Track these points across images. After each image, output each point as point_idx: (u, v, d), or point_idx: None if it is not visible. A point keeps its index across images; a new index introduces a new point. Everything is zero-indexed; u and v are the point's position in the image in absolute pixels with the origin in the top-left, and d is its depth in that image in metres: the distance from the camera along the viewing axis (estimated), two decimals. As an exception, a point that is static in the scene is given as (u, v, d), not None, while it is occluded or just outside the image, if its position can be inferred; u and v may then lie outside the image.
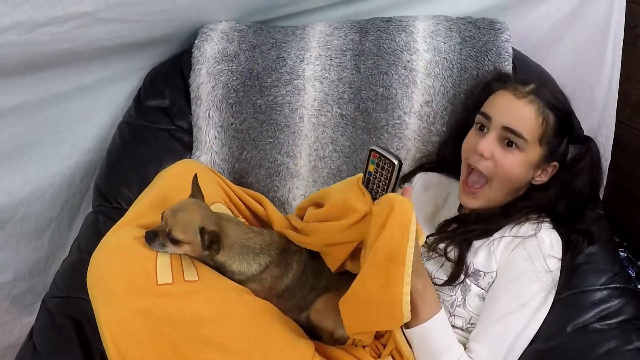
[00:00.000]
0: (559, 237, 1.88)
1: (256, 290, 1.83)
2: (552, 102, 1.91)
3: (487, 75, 2.24)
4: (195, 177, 1.84)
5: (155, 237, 1.69)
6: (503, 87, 1.98)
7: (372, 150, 1.66)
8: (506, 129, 1.87)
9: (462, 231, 1.94)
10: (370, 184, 1.71)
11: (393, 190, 1.67)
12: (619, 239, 2.64)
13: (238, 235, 1.84)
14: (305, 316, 1.90)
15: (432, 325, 1.70)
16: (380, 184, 1.68)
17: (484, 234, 1.91)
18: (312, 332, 1.90)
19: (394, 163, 1.61)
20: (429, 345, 1.72)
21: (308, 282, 1.90)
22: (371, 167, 1.68)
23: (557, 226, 1.91)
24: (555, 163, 1.95)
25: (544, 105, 1.88)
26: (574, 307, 1.88)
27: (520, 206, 1.94)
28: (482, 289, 1.85)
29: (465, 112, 2.20)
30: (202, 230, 1.71)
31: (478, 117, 1.97)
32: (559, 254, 1.86)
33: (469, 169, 1.96)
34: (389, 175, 1.64)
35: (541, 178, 1.96)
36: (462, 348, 1.76)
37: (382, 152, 1.63)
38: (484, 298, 1.85)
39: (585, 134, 2.28)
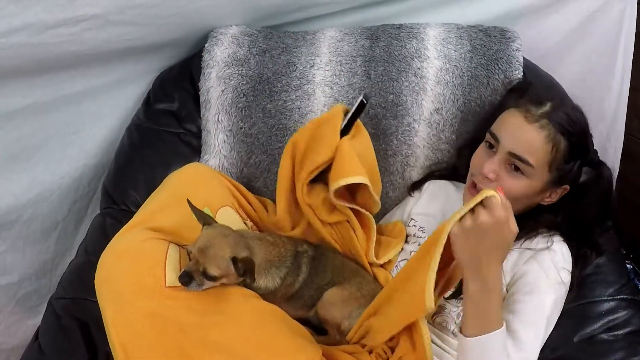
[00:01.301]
0: (569, 250, 1.87)
1: (267, 299, 1.83)
2: (565, 126, 1.83)
3: (498, 83, 2.24)
4: (190, 203, 1.80)
5: (191, 279, 1.66)
6: (516, 106, 1.91)
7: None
8: (512, 154, 1.82)
9: None
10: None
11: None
12: (625, 251, 2.63)
13: (262, 251, 1.85)
14: (313, 312, 1.92)
15: (491, 340, 1.59)
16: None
17: None
18: (320, 328, 1.92)
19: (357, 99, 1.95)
20: None
21: (315, 281, 1.92)
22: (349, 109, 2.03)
23: (567, 239, 1.89)
24: (566, 186, 1.90)
25: (556, 130, 1.81)
26: (582, 318, 1.88)
27: (527, 224, 1.88)
28: None
29: (480, 123, 2.18)
30: (235, 259, 1.69)
31: (487, 136, 1.93)
32: (570, 267, 1.84)
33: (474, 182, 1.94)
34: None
35: (551, 199, 1.93)
36: None
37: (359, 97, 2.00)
38: None
39: (594, 145, 2.29)
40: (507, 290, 1.83)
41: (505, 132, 1.86)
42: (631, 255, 2.76)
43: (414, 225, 2.15)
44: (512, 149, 1.82)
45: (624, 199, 2.71)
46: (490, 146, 1.91)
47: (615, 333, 1.86)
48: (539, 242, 1.86)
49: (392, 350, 1.79)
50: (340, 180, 1.90)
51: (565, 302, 1.83)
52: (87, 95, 2.34)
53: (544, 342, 1.76)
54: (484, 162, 1.88)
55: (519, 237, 1.84)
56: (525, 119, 1.83)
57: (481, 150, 1.96)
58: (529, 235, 1.88)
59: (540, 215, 1.94)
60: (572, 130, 1.84)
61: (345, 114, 2.02)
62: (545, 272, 1.78)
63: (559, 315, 1.80)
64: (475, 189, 1.92)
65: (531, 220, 1.91)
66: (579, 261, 1.87)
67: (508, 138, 1.84)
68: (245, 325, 1.69)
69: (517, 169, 1.82)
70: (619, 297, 1.95)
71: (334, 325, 1.87)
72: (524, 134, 1.82)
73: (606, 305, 1.92)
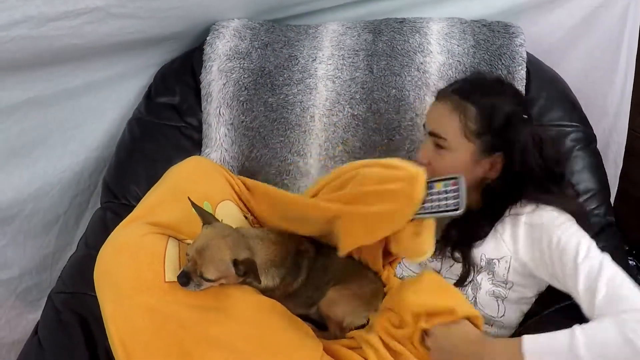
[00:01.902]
0: None
1: (267, 296, 1.82)
2: (466, 91, 1.88)
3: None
4: (192, 202, 1.77)
5: (189, 280, 1.64)
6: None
7: (457, 178, 1.72)
8: (431, 134, 1.91)
9: (460, 234, 1.90)
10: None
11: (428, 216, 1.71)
12: (627, 248, 2.62)
13: (264, 251, 1.83)
14: (314, 310, 1.91)
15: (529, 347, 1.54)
16: (431, 206, 1.71)
17: (481, 234, 1.86)
18: (320, 324, 1.91)
19: (457, 208, 1.67)
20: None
21: (315, 280, 1.91)
22: (439, 186, 1.73)
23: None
24: (499, 154, 1.85)
25: (460, 98, 1.86)
26: (583, 315, 1.86)
27: (499, 204, 1.87)
28: (497, 281, 1.82)
29: None
30: (235, 262, 1.68)
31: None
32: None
33: None
34: (441, 209, 1.69)
35: (492, 171, 1.88)
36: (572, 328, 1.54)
37: (461, 190, 1.68)
38: (495, 296, 1.83)
39: (596, 140, 2.28)
40: (510, 261, 1.81)
41: (426, 118, 2.00)
42: (634, 252, 2.75)
43: None
44: (430, 129, 1.92)
45: (627, 195, 2.70)
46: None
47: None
48: (526, 205, 1.83)
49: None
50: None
51: (564, 300, 1.81)
52: (88, 89, 2.34)
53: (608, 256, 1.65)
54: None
55: (504, 208, 1.86)
56: (437, 99, 1.97)
57: None
58: (514, 202, 1.85)
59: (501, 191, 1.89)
60: (474, 92, 1.87)
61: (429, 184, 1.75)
62: (547, 226, 1.74)
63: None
64: None
65: (498, 200, 1.88)
66: None
67: (427, 121, 1.97)
68: (245, 321, 1.68)
69: (440, 147, 1.87)
70: (621, 293, 1.94)
71: (336, 322, 1.87)
72: (435, 112, 1.95)
73: (608, 302, 1.90)
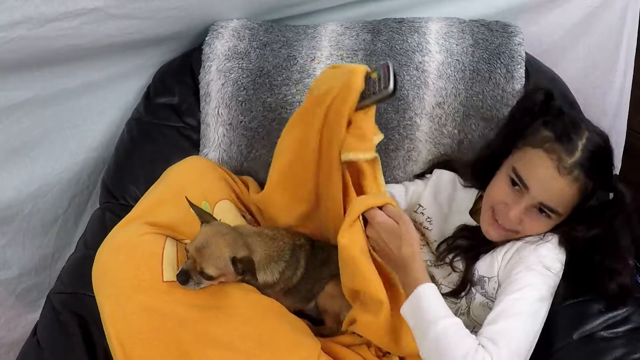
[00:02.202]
0: (563, 250, 1.82)
1: (266, 293, 1.83)
2: (595, 172, 1.74)
3: (500, 77, 2.23)
4: (189, 201, 1.77)
5: (189, 277, 1.65)
6: (546, 150, 1.75)
7: (387, 64, 1.70)
8: (542, 204, 1.75)
9: (471, 245, 1.91)
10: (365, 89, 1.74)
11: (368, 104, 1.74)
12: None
13: (262, 247, 1.84)
14: (312, 305, 1.93)
15: (419, 293, 1.60)
16: (369, 93, 1.72)
17: (490, 247, 1.87)
18: (316, 320, 1.94)
19: (388, 89, 1.67)
20: (422, 315, 1.58)
21: (314, 275, 1.92)
22: (374, 75, 1.72)
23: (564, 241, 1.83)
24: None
25: (586, 177, 1.72)
26: (581, 315, 1.86)
27: None
28: (488, 296, 1.83)
29: (505, 136, 2.00)
30: (234, 260, 1.69)
31: (512, 174, 1.80)
32: (562, 259, 1.80)
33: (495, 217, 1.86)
34: (378, 95, 1.70)
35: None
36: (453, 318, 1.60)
37: (390, 73, 1.68)
38: (489, 307, 1.79)
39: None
40: (498, 282, 1.82)
41: (536, 183, 1.75)
42: (632, 252, 2.75)
43: (422, 213, 2.12)
44: (543, 200, 1.75)
45: (625, 195, 2.70)
46: (514, 183, 1.80)
47: (615, 330, 1.84)
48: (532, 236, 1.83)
49: None
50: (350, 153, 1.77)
51: (564, 300, 1.81)
52: (88, 89, 2.34)
53: (538, 321, 1.67)
54: (508, 203, 1.80)
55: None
56: (558, 172, 1.72)
57: (503, 183, 1.84)
58: None
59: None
60: (601, 175, 1.78)
61: (367, 78, 1.75)
62: (533, 263, 1.74)
63: (549, 302, 1.73)
64: (497, 224, 1.84)
65: None
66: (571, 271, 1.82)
67: (540, 189, 1.75)
68: (244, 320, 1.69)
69: (542, 211, 1.77)
70: (619, 294, 1.94)
71: (333, 315, 1.89)
72: (556, 187, 1.73)
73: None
